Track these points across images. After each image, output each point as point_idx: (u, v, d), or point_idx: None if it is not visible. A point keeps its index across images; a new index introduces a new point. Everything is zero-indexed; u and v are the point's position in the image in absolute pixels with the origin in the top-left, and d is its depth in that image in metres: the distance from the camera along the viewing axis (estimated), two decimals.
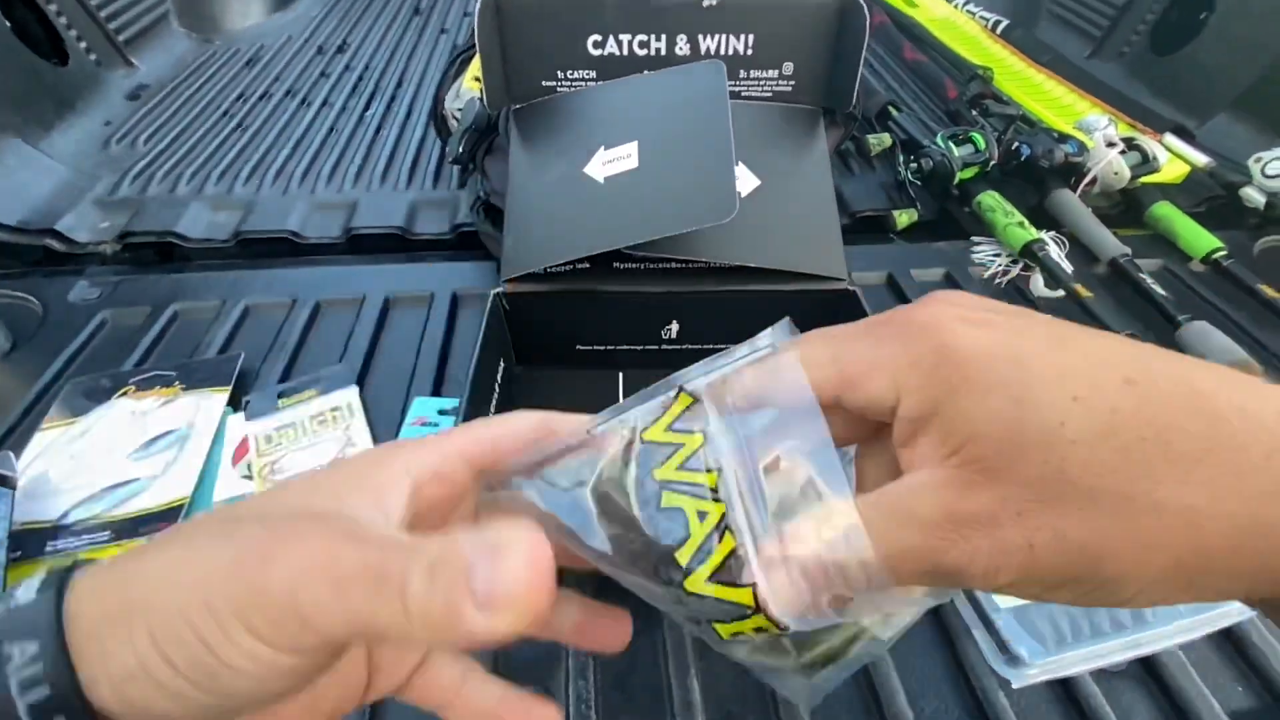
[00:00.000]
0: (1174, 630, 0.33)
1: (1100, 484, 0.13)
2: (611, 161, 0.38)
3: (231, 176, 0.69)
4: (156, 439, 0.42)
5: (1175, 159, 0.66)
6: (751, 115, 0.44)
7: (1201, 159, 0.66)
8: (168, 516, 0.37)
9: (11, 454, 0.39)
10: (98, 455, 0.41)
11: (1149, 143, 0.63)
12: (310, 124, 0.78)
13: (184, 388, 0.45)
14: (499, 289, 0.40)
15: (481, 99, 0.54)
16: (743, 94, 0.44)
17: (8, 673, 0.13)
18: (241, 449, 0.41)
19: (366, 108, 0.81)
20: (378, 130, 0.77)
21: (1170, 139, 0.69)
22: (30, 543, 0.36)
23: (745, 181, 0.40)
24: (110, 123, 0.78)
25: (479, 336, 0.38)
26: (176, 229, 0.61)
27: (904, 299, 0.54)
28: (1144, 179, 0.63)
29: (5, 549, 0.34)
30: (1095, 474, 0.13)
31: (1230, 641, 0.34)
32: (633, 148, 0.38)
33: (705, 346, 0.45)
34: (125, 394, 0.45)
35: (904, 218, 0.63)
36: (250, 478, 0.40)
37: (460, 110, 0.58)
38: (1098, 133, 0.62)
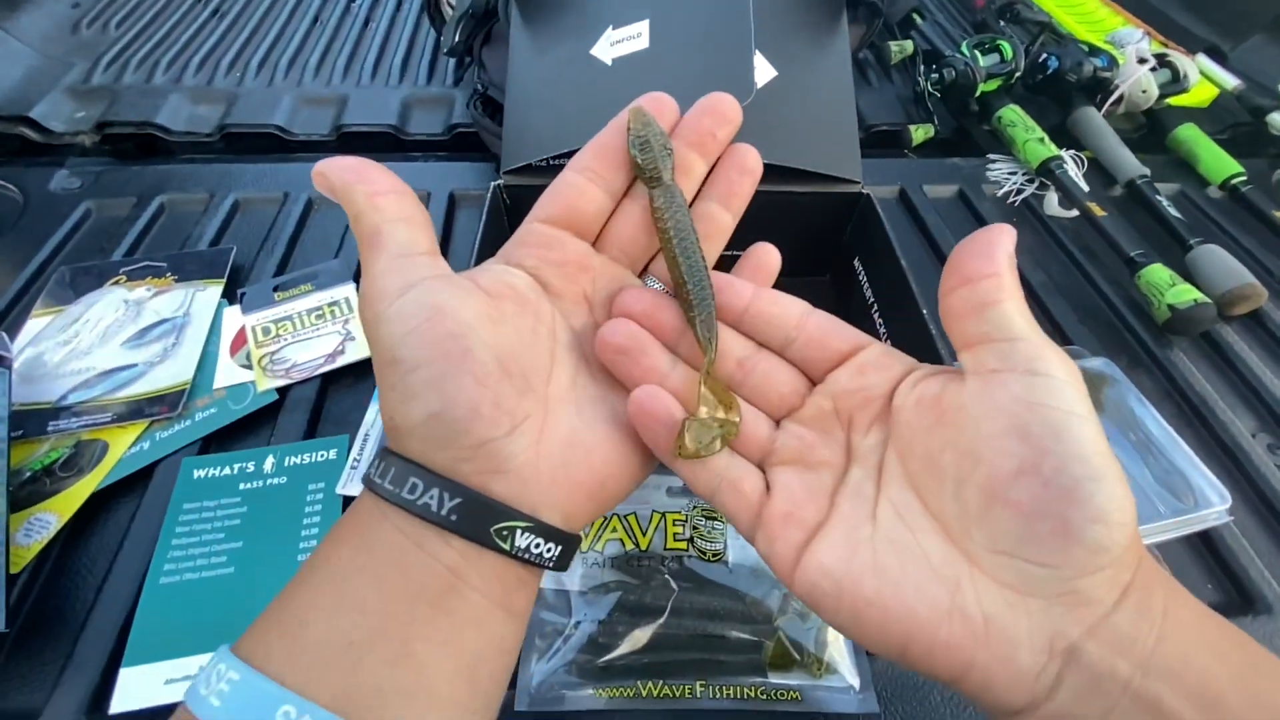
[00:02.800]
0: (1151, 530, 0.34)
1: None
2: (620, 42, 0.36)
3: (212, 66, 0.65)
4: (152, 326, 0.41)
5: (1204, 81, 0.63)
6: None
7: (1231, 81, 0.63)
8: (170, 400, 0.37)
9: (5, 335, 0.38)
10: (92, 341, 0.40)
11: (1181, 60, 0.60)
12: (293, 11, 0.73)
13: (176, 279, 0.44)
14: (499, 181, 0.39)
15: None
16: None
17: None
18: (239, 339, 0.41)
19: None
20: (366, 22, 0.72)
21: (1202, 59, 0.66)
22: (31, 423, 0.37)
23: (762, 71, 0.38)
24: (79, 4, 0.73)
25: (478, 233, 0.37)
26: (157, 120, 0.58)
27: (916, 215, 0.53)
28: (1171, 100, 0.61)
29: (7, 425, 0.34)
30: None
31: (1204, 543, 0.36)
32: (643, 27, 0.36)
33: None
34: (117, 283, 0.44)
35: (920, 133, 0.60)
36: (249, 367, 0.39)
37: None
38: (1130, 47, 0.59)
